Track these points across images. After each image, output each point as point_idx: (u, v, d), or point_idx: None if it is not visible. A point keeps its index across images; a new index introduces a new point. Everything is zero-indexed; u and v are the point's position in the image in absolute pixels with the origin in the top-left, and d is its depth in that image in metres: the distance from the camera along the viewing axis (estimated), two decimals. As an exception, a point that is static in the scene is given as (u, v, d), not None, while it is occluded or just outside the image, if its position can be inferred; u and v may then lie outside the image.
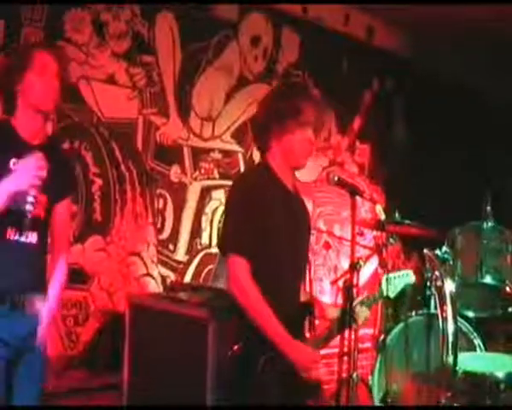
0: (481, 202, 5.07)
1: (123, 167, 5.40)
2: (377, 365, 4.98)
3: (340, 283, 5.73)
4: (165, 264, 5.68)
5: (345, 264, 6.86)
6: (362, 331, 5.43)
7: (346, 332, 3.39)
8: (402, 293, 3.73)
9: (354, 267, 3.37)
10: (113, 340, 4.98)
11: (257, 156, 3.46)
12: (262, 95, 3.52)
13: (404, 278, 3.65)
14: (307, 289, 3.48)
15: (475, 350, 4.79)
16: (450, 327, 3.35)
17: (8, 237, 3.03)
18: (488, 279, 4.90)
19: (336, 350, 3.38)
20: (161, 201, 5.67)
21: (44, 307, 3.12)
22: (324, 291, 6.85)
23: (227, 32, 6.18)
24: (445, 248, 5.06)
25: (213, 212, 6.01)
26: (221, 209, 5.94)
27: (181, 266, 5.81)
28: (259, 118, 3.43)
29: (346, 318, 3.26)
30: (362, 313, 3.45)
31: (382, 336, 5.09)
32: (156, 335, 4.60)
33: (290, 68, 6.75)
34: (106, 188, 5.28)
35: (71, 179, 3.42)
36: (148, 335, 4.65)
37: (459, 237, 5.13)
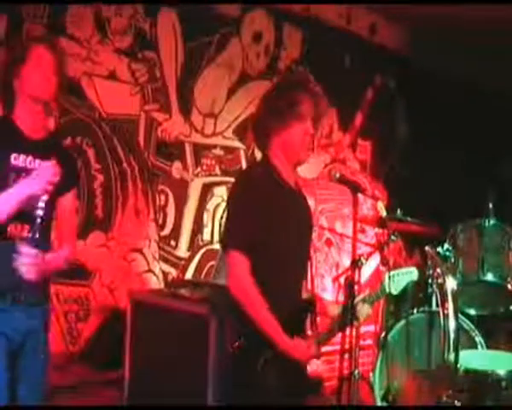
0: (483, 200, 5.06)
1: (125, 164, 5.40)
2: (378, 362, 4.98)
3: (342, 280, 5.75)
4: (166, 260, 5.69)
5: (346, 261, 6.87)
6: (363, 328, 5.43)
7: (348, 329, 3.39)
8: (403, 290, 3.72)
9: (356, 264, 3.37)
10: (114, 336, 4.98)
11: (259, 153, 3.45)
12: (264, 92, 3.52)
13: (408, 275, 3.64)
14: (309, 286, 3.48)
15: (477, 348, 4.79)
16: (452, 324, 3.34)
17: (12, 234, 3.03)
18: (490, 277, 4.89)
19: (338, 347, 3.38)
20: (163, 197, 5.67)
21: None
22: (326, 288, 6.85)
23: (229, 29, 6.17)
24: (446, 246, 5.06)
25: (215, 208, 6.01)
26: (223, 206, 5.94)
27: (182, 262, 5.81)
28: (257, 116, 3.42)
29: (348, 315, 3.26)
30: (364, 310, 3.45)
31: (384, 334, 5.09)
32: (157, 331, 4.60)
33: (292, 65, 6.74)
34: (107, 184, 5.28)
35: (73, 173, 3.38)
36: (150, 331, 4.65)
37: (461, 234, 5.13)
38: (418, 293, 5.20)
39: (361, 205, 6.46)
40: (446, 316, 3.35)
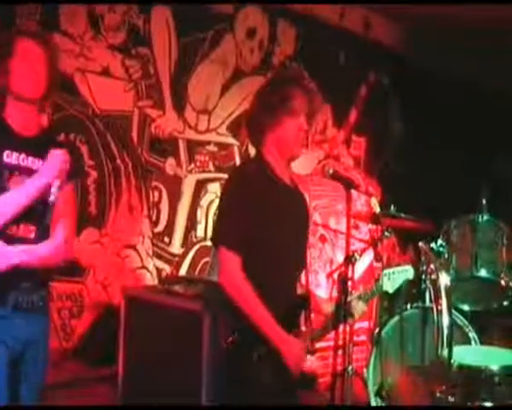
0: (476, 196, 5.07)
1: (118, 160, 5.39)
2: (372, 358, 4.99)
3: (336, 276, 5.75)
4: (160, 257, 5.68)
5: (340, 257, 6.87)
6: (357, 325, 5.44)
7: (342, 326, 3.39)
8: (397, 287, 3.73)
9: (349, 260, 3.37)
10: (107, 332, 4.97)
11: (253, 149, 3.45)
12: (258, 88, 3.51)
13: (404, 273, 3.65)
14: (303, 282, 3.48)
15: (470, 343, 4.80)
16: (445, 320, 3.34)
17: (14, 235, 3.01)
18: (483, 273, 4.90)
19: (331, 343, 3.38)
20: (156, 193, 5.66)
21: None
22: (320, 284, 6.86)
23: (223, 25, 6.16)
24: (440, 242, 5.06)
25: (209, 205, 6.01)
26: (216, 202, 5.93)
27: (176, 258, 5.81)
28: (251, 112, 3.42)
29: (342, 312, 3.26)
30: (359, 307, 3.45)
31: (377, 330, 5.10)
32: (151, 327, 4.61)
33: (286, 61, 6.74)
34: (101, 180, 5.27)
35: (71, 168, 3.29)
36: (143, 327, 4.66)
37: (454, 230, 5.13)
38: (412, 289, 5.20)
39: (355, 201, 6.46)
40: (440, 312, 3.35)
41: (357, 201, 6.74)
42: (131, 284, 5.34)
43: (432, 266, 3.60)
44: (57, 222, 3.14)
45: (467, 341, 4.80)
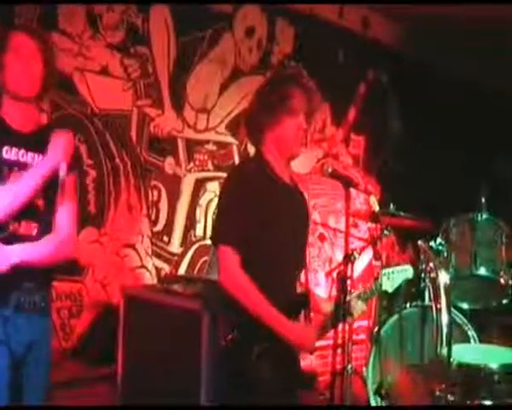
0: (476, 194, 5.07)
1: (117, 159, 5.39)
2: (371, 356, 4.99)
3: (335, 274, 5.75)
4: (159, 256, 5.68)
5: (339, 256, 6.87)
6: (356, 323, 5.44)
7: (341, 325, 3.40)
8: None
9: (348, 259, 3.37)
10: (107, 332, 4.97)
11: (252, 148, 3.46)
12: (257, 87, 3.51)
13: (403, 273, 3.66)
14: (303, 281, 3.48)
15: (469, 342, 4.80)
16: (445, 319, 3.34)
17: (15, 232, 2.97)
18: (482, 271, 4.91)
19: (331, 342, 3.38)
20: (155, 192, 5.66)
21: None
22: (319, 283, 6.85)
23: (222, 24, 6.16)
24: (439, 240, 5.07)
25: (208, 204, 6.00)
26: (215, 201, 5.93)
27: (175, 257, 5.80)
28: (250, 111, 3.43)
29: (341, 310, 3.26)
30: (358, 306, 3.46)
31: (377, 328, 5.10)
32: (150, 326, 4.60)
33: (285, 60, 6.74)
34: (100, 180, 5.26)
35: (70, 161, 3.23)
36: (143, 326, 4.66)
37: (453, 228, 5.14)
38: (411, 288, 5.21)
39: (354, 200, 6.47)
40: (439, 310, 3.35)
41: (356, 199, 6.74)
42: (131, 284, 5.34)
43: (431, 264, 3.60)
44: (59, 217, 3.10)
45: (466, 339, 4.80)
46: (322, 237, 7.11)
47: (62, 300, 5.01)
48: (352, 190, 3.43)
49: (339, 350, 3.54)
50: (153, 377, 4.49)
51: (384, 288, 3.56)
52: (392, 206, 5.36)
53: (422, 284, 5.06)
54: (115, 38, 5.35)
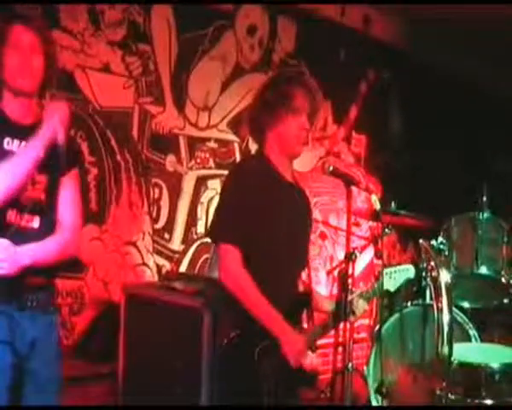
0: (477, 193, 5.07)
1: (118, 156, 5.39)
2: (372, 355, 4.99)
3: (336, 273, 5.75)
4: (160, 253, 5.68)
5: (340, 254, 6.87)
6: (357, 322, 5.43)
7: (342, 323, 3.39)
8: (398, 284, 3.73)
9: (350, 258, 3.37)
10: (108, 329, 4.97)
11: (253, 146, 3.46)
12: (258, 84, 3.51)
13: (405, 272, 3.65)
14: (305, 280, 3.48)
15: (470, 341, 4.80)
16: (446, 318, 3.34)
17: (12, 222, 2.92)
18: (483, 270, 4.91)
19: (332, 340, 3.38)
20: (157, 190, 5.66)
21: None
22: (320, 282, 6.85)
23: (223, 22, 6.15)
24: (440, 239, 5.07)
25: (209, 201, 6.00)
26: (217, 199, 5.93)
27: (176, 255, 5.81)
28: (252, 111, 3.42)
29: (342, 309, 3.26)
30: (360, 305, 3.45)
31: (378, 327, 5.10)
32: (151, 324, 4.61)
33: (286, 58, 6.74)
34: (101, 177, 5.26)
35: (71, 155, 3.18)
36: (144, 324, 4.66)
37: (455, 227, 5.14)
38: (412, 286, 5.21)
39: (355, 198, 6.46)
40: (440, 309, 3.35)
41: (357, 198, 6.74)
42: (132, 281, 5.35)
43: (432, 263, 3.61)
44: (63, 212, 3.07)
45: (467, 338, 4.80)
46: (323, 236, 7.11)
47: (63, 297, 5.01)
48: (354, 189, 3.42)
49: (340, 349, 3.54)
50: (154, 374, 4.49)
51: (386, 287, 3.55)
52: (393, 204, 5.36)
53: (424, 283, 5.06)
54: (117, 36, 5.35)
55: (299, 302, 3.35)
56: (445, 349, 3.38)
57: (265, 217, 3.18)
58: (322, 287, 6.75)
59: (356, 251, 3.45)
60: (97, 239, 5.25)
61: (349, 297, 3.29)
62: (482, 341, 4.85)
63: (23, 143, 2.96)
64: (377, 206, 3.45)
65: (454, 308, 4.31)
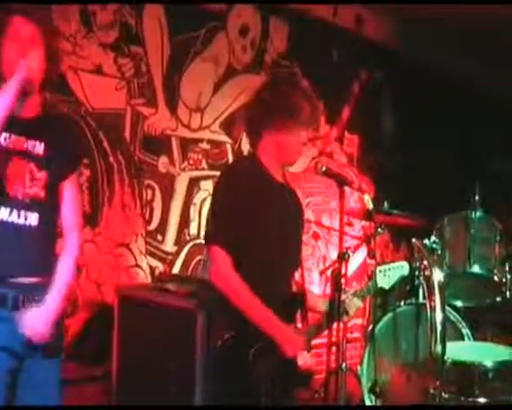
0: (470, 192, 5.08)
1: (111, 158, 5.38)
2: (366, 354, 4.99)
3: (329, 273, 5.75)
4: (153, 255, 5.67)
5: (333, 254, 6.87)
6: (351, 322, 5.43)
7: (336, 323, 3.40)
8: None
9: (343, 257, 3.37)
10: (101, 331, 4.97)
11: (245, 146, 3.45)
12: (251, 85, 3.51)
13: (399, 269, 3.65)
14: (299, 280, 3.48)
15: (464, 339, 4.81)
16: (439, 317, 3.35)
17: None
18: (476, 269, 4.91)
19: (325, 340, 3.38)
20: (149, 192, 5.65)
21: (49, 299, 2.92)
22: (313, 282, 6.86)
23: (216, 23, 6.15)
24: (433, 238, 5.07)
25: (202, 202, 6.00)
26: (209, 200, 5.92)
27: (169, 256, 5.80)
28: (251, 111, 3.39)
29: (336, 309, 3.26)
30: (354, 304, 3.45)
31: (371, 326, 5.10)
32: (145, 326, 4.60)
33: (279, 58, 6.74)
34: (94, 179, 5.26)
35: (74, 152, 3.13)
36: (137, 326, 4.65)
37: (447, 226, 5.14)
38: (405, 285, 5.21)
39: (348, 198, 6.47)
40: (433, 308, 3.36)
41: (350, 198, 6.74)
42: (125, 283, 5.34)
43: (425, 262, 3.61)
44: (68, 215, 3.03)
45: (460, 337, 4.81)
46: (316, 236, 7.11)
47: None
48: (346, 189, 3.42)
49: (333, 349, 3.55)
50: (147, 376, 4.48)
51: (380, 285, 3.56)
52: (386, 204, 5.36)
53: (417, 282, 5.06)
54: (109, 38, 5.35)
55: (292, 302, 3.35)
56: (439, 348, 3.38)
57: (256, 218, 3.18)
58: (316, 287, 6.75)
59: (349, 251, 3.46)
60: (90, 241, 5.24)
61: (343, 296, 3.30)
62: (475, 339, 4.87)
63: (22, 138, 2.89)
64: (370, 205, 3.46)
65: (447, 307, 4.31)
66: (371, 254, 5.33)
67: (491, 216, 5.09)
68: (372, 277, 3.53)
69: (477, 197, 5.06)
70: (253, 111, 3.36)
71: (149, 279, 5.59)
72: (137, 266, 5.55)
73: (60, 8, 4.97)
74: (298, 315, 3.38)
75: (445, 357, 3.45)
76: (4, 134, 2.84)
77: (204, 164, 6.07)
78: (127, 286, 5.17)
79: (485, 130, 8.13)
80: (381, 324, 5.03)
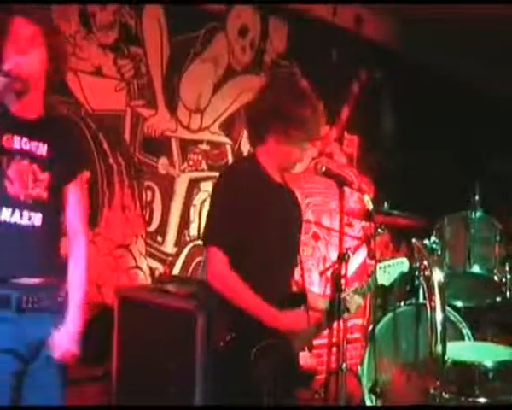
0: (470, 192, 5.08)
1: (111, 159, 5.38)
2: (366, 355, 5.00)
3: (329, 273, 5.75)
4: (153, 256, 5.67)
5: (333, 255, 6.87)
6: (351, 322, 5.44)
7: (335, 323, 3.40)
8: (391, 283, 3.74)
9: (343, 258, 3.37)
10: (101, 332, 4.96)
11: (245, 147, 3.45)
12: (250, 86, 3.51)
13: (399, 265, 3.66)
14: (299, 280, 3.49)
15: (464, 339, 4.81)
16: (439, 317, 3.35)
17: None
18: (476, 269, 4.92)
19: (325, 341, 3.38)
20: (149, 193, 5.65)
21: (70, 317, 2.93)
22: (313, 282, 6.85)
23: (215, 24, 6.15)
24: (433, 238, 5.08)
25: (202, 203, 5.99)
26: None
27: (169, 258, 5.80)
28: (257, 111, 3.37)
29: (336, 308, 3.27)
30: (354, 301, 3.46)
31: (371, 327, 5.11)
32: (145, 327, 4.60)
33: (278, 59, 6.74)
34: (94, 180, 5.25)
35: (79, 153, 3.14)
36: (137, 327, 4.65)
37: (447, 226, 5.15)
38: (405, 286, 5.22)
39: (347, 198, 6.47)
40: (433, 308, 3.36)
41: (350, 198, 6.74)
42: (125, 284, 5.34)
43: (425, 262, 3.61)
44: (73, 218, 3.04)
45: (460, 337, 4.81)
46: (316, 236, 7.11)
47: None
48: (346, 189, 3.43)
49: (334, 349, 3.55)
50: (147, 376, 4.48)
51: (381, 281, 3.56)
52: (386, 204, 5.36)
53: (417, 282, 5.07)
54: (108, 39, 5.34)
55: (293, 302, 3.35)
56: (439, 348, 3.38)
57: (255, 219, 3.18)
58: (316, 288, 6.75)
59: (349, 251, 3.46)
60: (90, 242, 5.22)
61: (343, 294, 3.31)
62: (475, 339, 4.87)
63: (24, 139, 2.88)
64: (370, 206, 3.46)
65: (447, 307, 4.32)
66: (371, 255, 5.33)
67: (491, 216, 5.09)
68: (373, 274, 3.54)
69: (477, 197, 5.06)
70: (258, 111, 3.35)
71: (149, 280, 5.58)
72: (137, 267, 5.55)
73: (60, 8, 4.97)
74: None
75: (446, 357, 3.45)
76: (7, 135, 2.83)
77: (204, 165, 6.06)
78: (127, 287, 5.16)
79: (485, 130, 8.13)
80: (381, 324, 5.03)
